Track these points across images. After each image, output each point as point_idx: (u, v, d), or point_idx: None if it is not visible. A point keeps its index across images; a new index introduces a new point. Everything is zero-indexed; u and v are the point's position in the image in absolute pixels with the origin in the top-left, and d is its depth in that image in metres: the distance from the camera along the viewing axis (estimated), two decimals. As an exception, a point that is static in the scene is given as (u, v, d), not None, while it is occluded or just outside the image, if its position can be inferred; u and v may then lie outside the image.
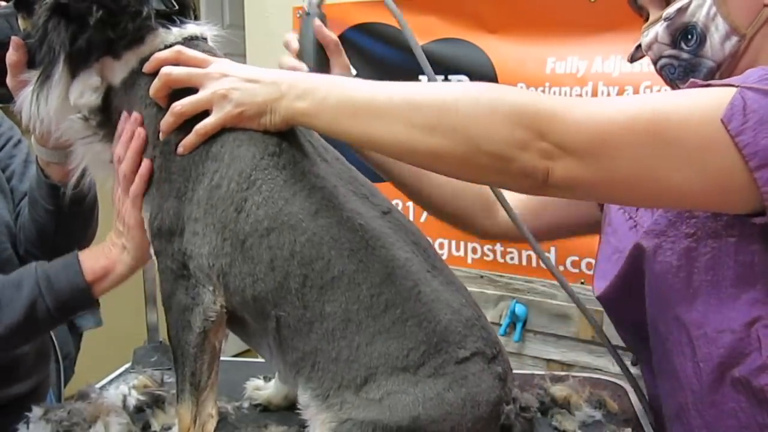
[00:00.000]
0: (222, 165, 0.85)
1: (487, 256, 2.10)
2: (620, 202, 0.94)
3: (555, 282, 1.96)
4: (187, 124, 0.86)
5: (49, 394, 1.35)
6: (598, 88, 1.82)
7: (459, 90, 0.77)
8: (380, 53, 2.14)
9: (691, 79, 0.84)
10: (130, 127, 0.89)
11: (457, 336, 0.84)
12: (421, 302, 0.84)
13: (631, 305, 0.95)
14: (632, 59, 1.02)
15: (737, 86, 0.73)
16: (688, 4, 0.87)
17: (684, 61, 0.90)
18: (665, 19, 0.89)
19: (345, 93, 0.80)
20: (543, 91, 1.89)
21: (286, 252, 0.83)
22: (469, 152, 0.75)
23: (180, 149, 0.86)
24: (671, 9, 0.89)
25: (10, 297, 0.95)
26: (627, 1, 1.00)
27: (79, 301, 0.98)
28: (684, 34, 0.88)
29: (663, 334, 0.90)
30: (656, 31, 0.91)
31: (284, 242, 0.83)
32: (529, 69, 1.92)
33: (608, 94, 1.80)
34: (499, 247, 2.06)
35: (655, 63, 0.95)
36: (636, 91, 1.76)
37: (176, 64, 0.86)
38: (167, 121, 0.86)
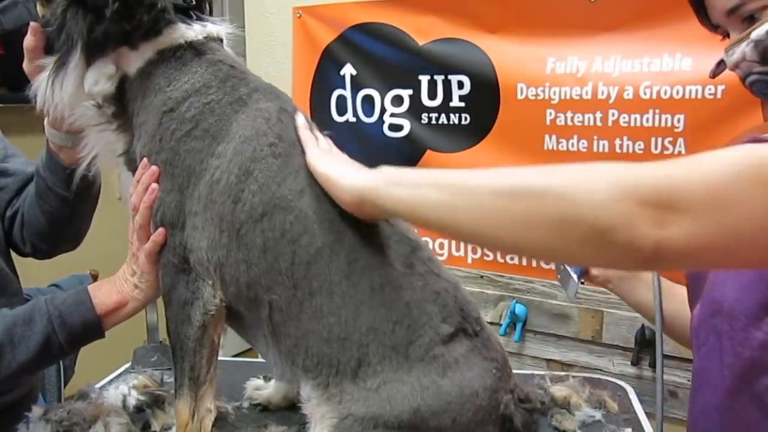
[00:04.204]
0: (224, 161, 0.88)
1: (487, 256, 2.09)
2: (737, 265, 0.81)
3: (555, 282, 1.97)
4: (195, 129, 0.89)
5: (38, 398, 1.33)
6: (598, 88, 1.82)
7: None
8: (380, 53, 2.14)
9: (752, 135, 0.77)
10: (146, 179, 0.91)
11: (435, 307, 0.86)
12: (393, 267, 0.86)
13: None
14: (714, 75, 0.99)
15: None
16: None
17: None
18: (754, 42, 0.86)
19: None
20: (543, 91, 1.89)
21: (277, 233, 0.86)
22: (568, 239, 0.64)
23: None
24: (761, 31, 0.85)
25: (21, 334, 0.96)
26: (699, 21, 0.98)
27: (91, 335, 1.00)
28: None
29: (702, 338, 0.95)
30: (743, 51, 0.88)
31: (275, 224, 0.86)
32: (529, 69, 1.92)
33: (608, 94, 1.80)
34: (499, 247, 2.05)
35: (743, 79, 0.92)
36: (636, 91, 1.75)
37: None
38: None
